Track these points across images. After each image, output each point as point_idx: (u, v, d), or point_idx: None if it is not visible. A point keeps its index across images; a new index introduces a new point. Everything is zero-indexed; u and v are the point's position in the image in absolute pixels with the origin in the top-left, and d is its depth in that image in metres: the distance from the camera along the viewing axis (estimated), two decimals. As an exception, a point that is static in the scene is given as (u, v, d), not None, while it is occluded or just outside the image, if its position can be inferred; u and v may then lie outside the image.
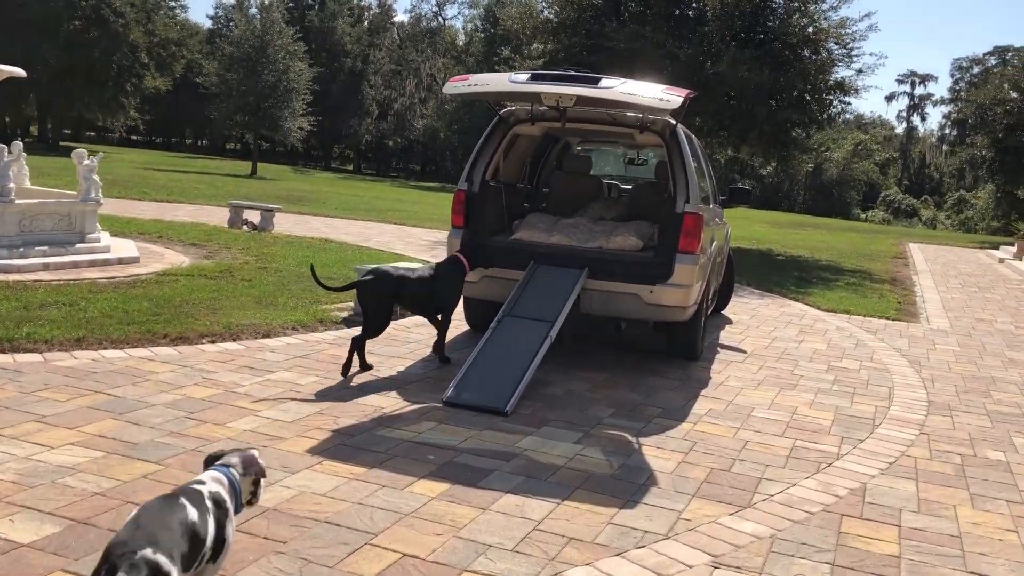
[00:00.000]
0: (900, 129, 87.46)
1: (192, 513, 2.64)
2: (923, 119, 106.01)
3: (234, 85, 40.53)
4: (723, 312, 10.90)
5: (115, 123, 53.39)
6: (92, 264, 10.15)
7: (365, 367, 6.59)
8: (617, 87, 6.40)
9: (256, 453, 3.13)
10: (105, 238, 11.21)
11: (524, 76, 6.67)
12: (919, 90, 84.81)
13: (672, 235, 7.03)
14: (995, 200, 45.56)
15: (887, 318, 11.73)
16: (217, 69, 42.06)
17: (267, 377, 6.11)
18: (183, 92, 56.17)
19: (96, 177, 10.81)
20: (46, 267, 9.64)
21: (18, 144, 11.82)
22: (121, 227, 13.89)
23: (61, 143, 50.65)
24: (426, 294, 6.64)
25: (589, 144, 10.42)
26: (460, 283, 6.87)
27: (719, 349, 8.60)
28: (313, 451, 4.72)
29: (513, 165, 8.45)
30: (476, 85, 6.75)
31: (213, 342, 7.02)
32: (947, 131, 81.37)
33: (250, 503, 3.10)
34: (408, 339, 7.78)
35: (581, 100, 6.54)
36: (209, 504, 2.76)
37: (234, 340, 7.14)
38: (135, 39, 46.48)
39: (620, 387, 6.74)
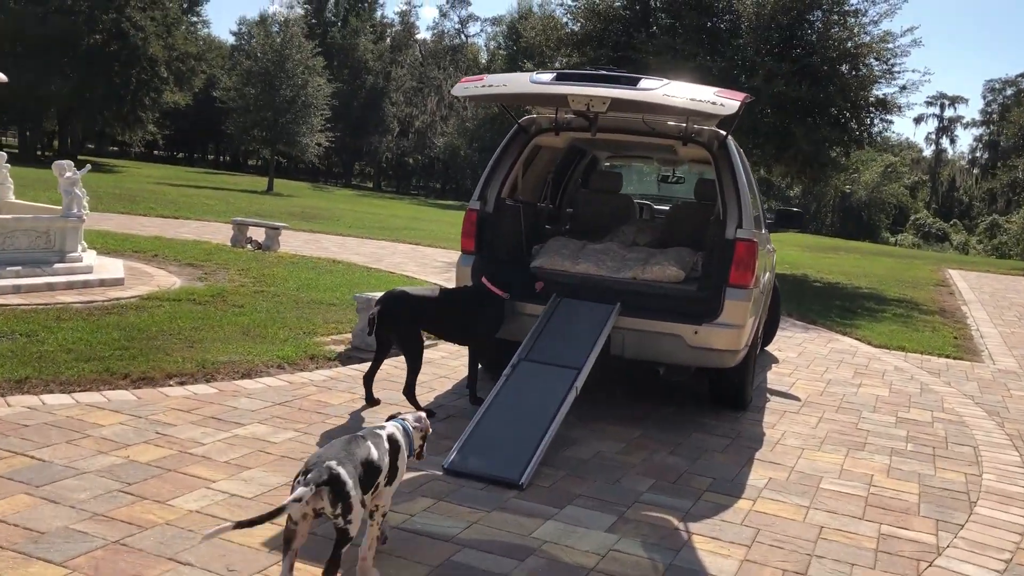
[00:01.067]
0: (928, 152, 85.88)
1: (371, 449, 3.29)
2: (952, 141, 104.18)
3: (251, 99, 39.84)
4: (767, 348, 9.79)
5: (133, 137, 52.85)
6: (70, 286, 9.20)
7: (372, 402, 5.89)
8: (659, 89, 5.36)
9: (424, 415, 3.84)
10: (89, 257, 10.27)
11: (548, 76, 5.64)
12: (948, 112, 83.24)
13: (722, 265, 5.95)
14: (1033, 225, 44.04)
15: (947, 356, 10.55)
16: (235, 83, 41.40)
17: (234, 432, 5.07)
18: (206, 107, 55.71)
19: (79, 191, 9.88)
20: (17, 289, 8.68)
21: (1, 155, 10.96)
22: (116, 245, 12.99)
23: (79, 156, 50.27)
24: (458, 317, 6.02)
25: (619, 159, 9.37)
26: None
27: (769, 396, 7.50)
28: (272, 545, 3.66)
29: (533, 182, 7.42)
30: (491, 86, 5.73)
31: (182, 383, 6.01)
32: (978, 153, 79.82)
33: (419, 456, 3.76)
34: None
35: (616, 104, 5.50)
36: (386, 444, 3.43)
37: (207, 381, 6.12)
38: (154, 53, 45.95)
39: (659, 448, 5.65)
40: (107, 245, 12.84)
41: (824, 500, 4.91)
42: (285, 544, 3.06)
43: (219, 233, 16.88)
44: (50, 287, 9.02)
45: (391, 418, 3.73)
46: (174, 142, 72.31)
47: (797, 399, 7.47)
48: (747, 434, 6.17)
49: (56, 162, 10.05)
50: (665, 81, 5.51)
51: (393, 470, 3.45)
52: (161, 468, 4.41)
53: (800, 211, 8.81)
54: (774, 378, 8.32)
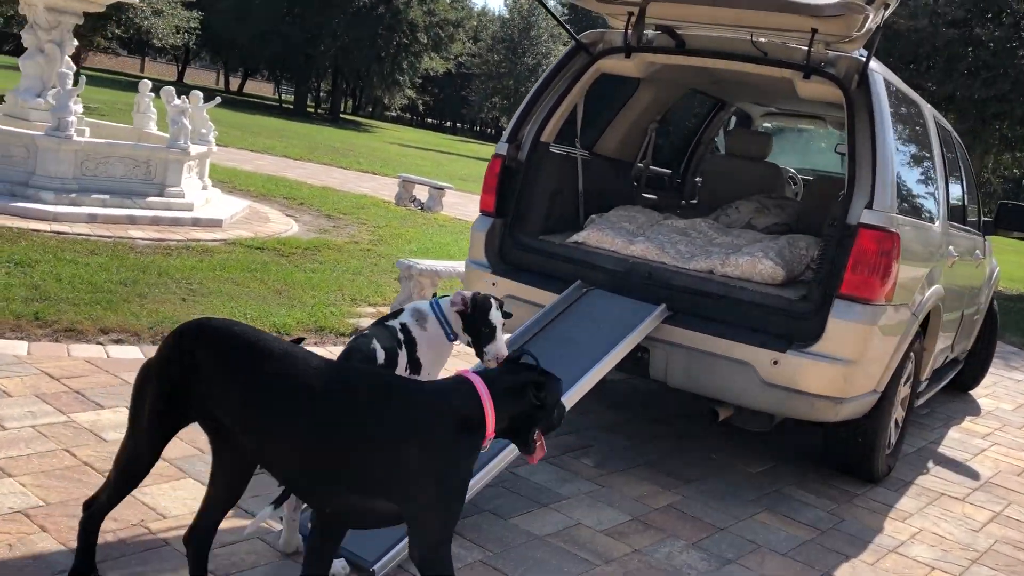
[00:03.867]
0: None
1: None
2: None
3: (494, 66, 39.48)
4: (972, 392, 7.21)
5: (391, 101, 54.56)
6: (155, 221, 8.44)
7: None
8: None
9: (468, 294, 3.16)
10: (197, 193, 9.56)
11: None
12: None
13: (834, 264, 3.84)
14: None
15: None
16: (480, 48, 41.26)
17: (76, 417, 3.75)
18: (461, 75, 56.58)
19: (187, 121, 9.11)
20: (92, 219, 8.01)
21: (146, 84, 10.55)
22: (268, 189, 12.40)
23: (341, 116, 52.79)
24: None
25: (779, 118, 7.13)
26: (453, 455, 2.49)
27: (930, 465, 5.16)
28: None
29: (623, 131, 5.52)
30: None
31: (112, 342, 4.81)
32: None
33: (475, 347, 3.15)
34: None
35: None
36: (400, 335, 3.04)
37: (139, 343, 4.88)
38: (414, 18, 46.91)
39: (681, 530, 3.67)
40: (259, 188, 12.32)
41: None
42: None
43: (393, 191, 16.08)
44: (131, 220, 8.30)
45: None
46: (433, 109, 74.47)
47: (975, 476, 5.08)
48: (850, 527, 4.02)
49: (164, 88, 9.39)
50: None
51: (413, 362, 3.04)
52: (-94, 454, 3.17)
53: (1032, 208, 6.16)
54: (959, 437, 5.88)
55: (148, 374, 2.41)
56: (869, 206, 3.80)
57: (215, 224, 8.93)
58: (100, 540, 2.79)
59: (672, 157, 6.57)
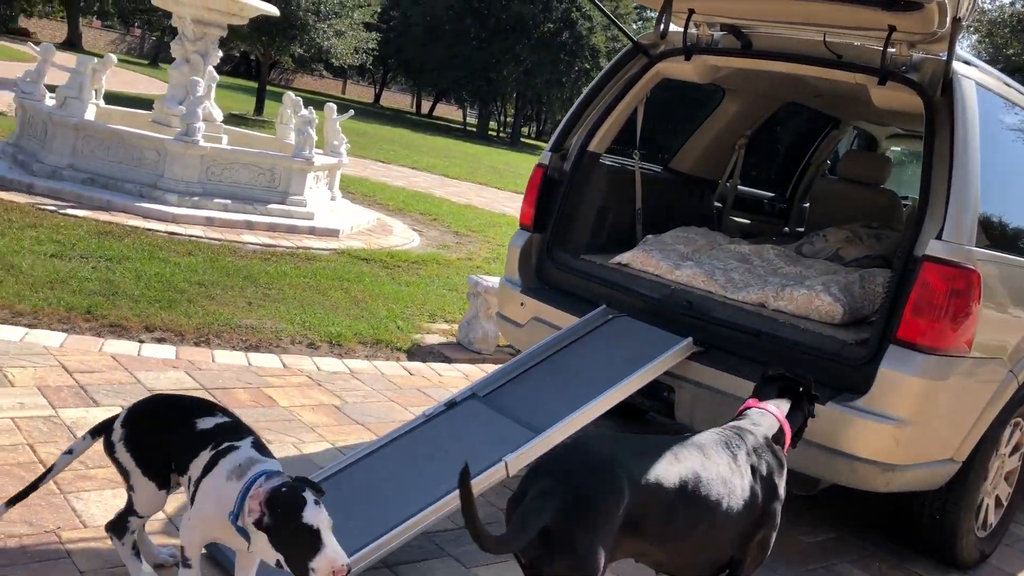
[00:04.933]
0: None
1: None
2: None
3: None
4: None
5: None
6: (271, 228, 8.59)
7: None
8: None
9: None
10: (323, 202, 9.71)
11: None
12: None
13: (894, 303, 3.19)
14: None
15: None
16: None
17: (63, 413, 3.67)
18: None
19: (313, 132, 9.26)
20: (210, 222, 8.25)
21: (289, 95, 10.88)
22: (402, 203, 12.51)
23: (523, 140, 53.53)
24: None
25: (907, 140, 6.28)
26: None
27: (1047, 555, 4.28)
28: None
29: (705, 147, 4.99)
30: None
31: (160, 340, 4.79)
32: None
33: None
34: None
35: None
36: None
37: (180, 343, 4.83)
38: (596, 43, 46.96)
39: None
40: (398, 203, 12.47)
41: None
42: None
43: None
44: (248, 225, 8.49)
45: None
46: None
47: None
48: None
49: (287, 95, 9.60)
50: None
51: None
52: None
53: None
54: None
55: None
56: (939, 236, 3.14)
57: (331, 234, 9.00)
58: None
59: (779, 179, 5.93)
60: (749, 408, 2.70)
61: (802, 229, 5.82)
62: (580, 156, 4.19)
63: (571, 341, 3.64)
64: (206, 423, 2.42)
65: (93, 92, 9.88)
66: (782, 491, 2.54)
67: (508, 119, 62.78)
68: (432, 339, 5.87)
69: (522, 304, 4.09)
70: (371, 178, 14.74)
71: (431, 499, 2.85)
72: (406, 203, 12.57)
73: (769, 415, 2.66)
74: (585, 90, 4.31)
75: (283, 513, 2.06)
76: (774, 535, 2.53)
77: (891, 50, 3.44)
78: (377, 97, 64.01)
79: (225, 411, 2.53)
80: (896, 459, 3.15)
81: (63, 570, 2.60)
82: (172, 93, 9.71)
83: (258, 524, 2.09)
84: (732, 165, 5.19)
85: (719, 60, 4.05)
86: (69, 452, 2.58)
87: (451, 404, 3.32)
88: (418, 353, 5.51)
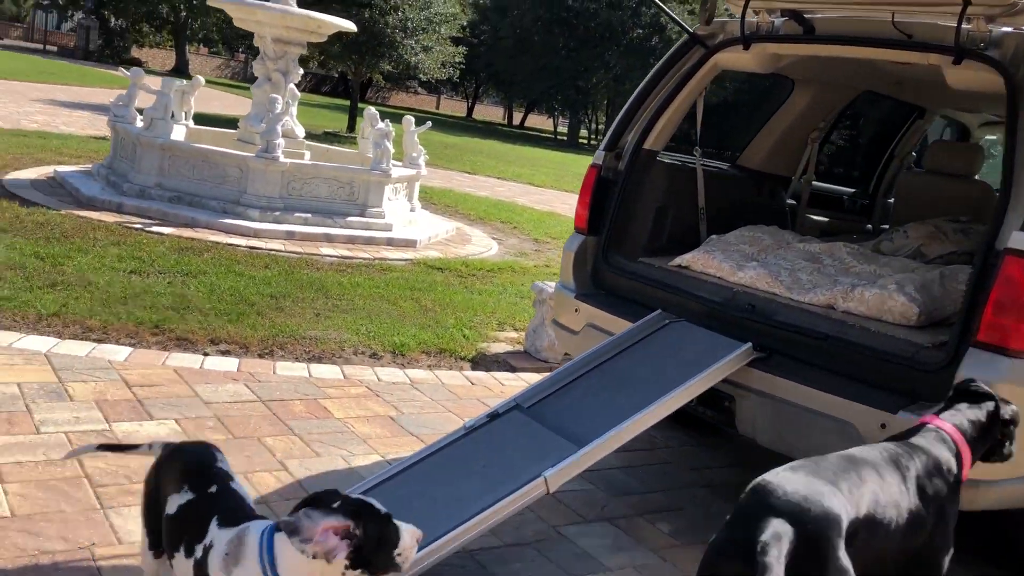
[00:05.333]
0: None
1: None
2: None
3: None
4: None
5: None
6: (350, 240, 8.65)
7: None
8: None
9: None
10: (403, 214, 9.73)
11: None
12: None
13: (975, 302, 2.91)
14: None
15: None
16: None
17: (137, 425, 3.69)
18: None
19: (389, 144, 9.31)
20: (290, 236, 8.35)
21: (370, 110, 10.98)
22: (489, 213, 12.48)
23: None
24: None
25: (995, 127, 5.83)
26: None
27: None
28: None
29: (775, 141, 4.73)
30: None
31: (225, 353, 4.82)
32: None
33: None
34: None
35: None
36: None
37: (246, 355, 4.84)
38: (688, 46, 46.39)
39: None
40: (480, 212, 12.46)
41: None
42: None
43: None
44: (327, 238, 8.57)
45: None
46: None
47: None
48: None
49: (367, 110, 9.66)
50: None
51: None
52: (-69, 449, 3.23)
53: None
54: None
55: None
56: (1023, 227, 2.84)
57: (409, 244, 9.01)
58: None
59: (860, 174, 5.60)
60: (925, 424, 2.56)
61: (887, 226, 5.47)
62: (635, 154, 4.01)
63: (624, 348, 3.45)
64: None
65: (183, 113, 10.21)
66: (952, 517, 2.41)
67: (599, 127, 62.48)
68: (498, 348, 5.75)
69: (576, 310, 3.93)
70: (456, 189, 14.78)
71: (467, 515, 2.71)
72: (487, 212, 12.53)
73: (945, 434, 2.51)
74: (640, 86, 4.13)
75: (368, 519, 1.91)
76: (945, 559, 2.41)
77: (967, 26, 3.15)
78: (470, 111, 64.65)
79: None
80: (981, 474, 2.85)
81: (91, 587, 2.57)
82: (255, 112, 9.91)
83: (335, 554, 1.86)
84: (805, 160, 4.90)
85: (780, 48, 3.81)
86: (149, 446, 2.46)
87: (493, 415, 3.19)
88: (482, 362, 5.40)
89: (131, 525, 2.94)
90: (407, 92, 61.33)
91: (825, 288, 3.54)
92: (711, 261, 3.85)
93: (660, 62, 4.13)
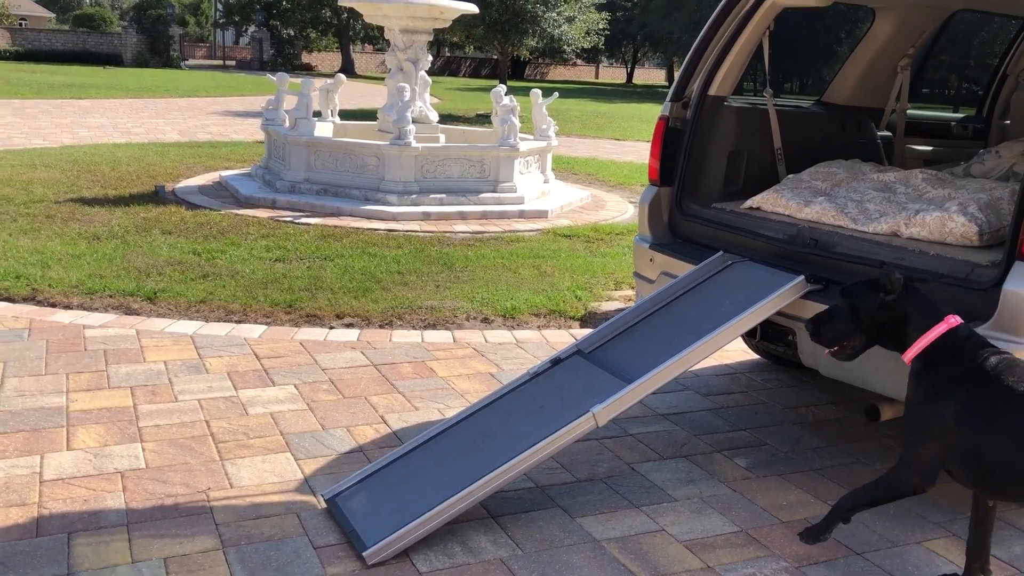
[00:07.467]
0: None
1: None
2: None
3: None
4: None
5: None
6: (483, 216, 9.04)
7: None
8: None
9: None
10: (536, 186, 10.01)
11: None
12: None
13: (1019, 215, 2.84)
14: None
15: None
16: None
17: (260, 391, 4.18)
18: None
19: (515, 119, 9.60)
20: (426, 216, 8.84)
21: (500, 88, 11.31)
22: (630, 178, 12.55)
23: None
24: None
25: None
26: None
27: None
28: None
29: (861, 73, 4.62)
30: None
31: (349, 326, 5.28)
32: None
33: None
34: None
35: None
36: None
37: (367, 325, 5.27)
38: None
39: None
40: (620, 178, 12.56)
41: None
42: None
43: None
44: (461, 216, 8.99)
45: None
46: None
47: None
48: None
49: (494, 89, 9.95)
50: None
51: None
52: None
53: None
54: None
55: None
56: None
57: (540, 215, 9.28)
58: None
59: (971, 97, 5.33)
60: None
61: (995, 151, 5.20)
62: (701, 102, 4.08)
63: (685, 290, 3.57)
64: None
65: (330, 111, 10.90)
66: None
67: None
68: (610, 306, 5.92)
69: (651, 260, 4.06)
70: (599, 157, 14.90)
71: (520, 450, 2.95)
72: (628, 177, 12.59)
73: None
74: (701, 32, 4.17)
75: None
76: None
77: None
78: (629, 76, 63.99)
79: None
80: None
81: (203, 522, 3.01)
82: (390, 102, 10.44)
83: None
84: (897, 89, 4.76)
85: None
86: None
87: (555, 361, 3.41)
88: (591, 320, 5.59)
89: (243, 472, 3.38)
90: (565, 65, 61.49)
91: (891, 216, 3.50)
92: (779, 200, 3.87)
93: (719, 6, 4.16)
